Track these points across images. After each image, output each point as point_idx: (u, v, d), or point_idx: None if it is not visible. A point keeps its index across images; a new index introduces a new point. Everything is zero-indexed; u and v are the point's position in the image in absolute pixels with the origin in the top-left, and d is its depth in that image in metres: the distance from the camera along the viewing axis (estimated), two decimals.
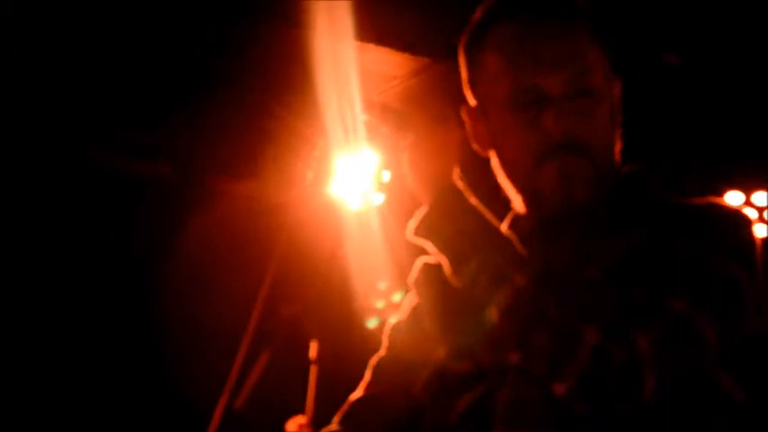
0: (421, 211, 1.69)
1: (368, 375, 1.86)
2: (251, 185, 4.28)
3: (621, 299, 1.50)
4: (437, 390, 1.69)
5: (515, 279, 1.55)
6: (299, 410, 3.29)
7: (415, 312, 1.83)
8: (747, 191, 4.29)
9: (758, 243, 1.62)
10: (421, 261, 1.82)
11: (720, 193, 4.29)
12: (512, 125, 1.68)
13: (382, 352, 1.84)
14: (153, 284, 4.16)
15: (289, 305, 3.38)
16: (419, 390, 1.74)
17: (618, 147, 1.74)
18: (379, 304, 1.63)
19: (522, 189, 1.73)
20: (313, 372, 3.31)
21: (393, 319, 1.86)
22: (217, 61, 4.01)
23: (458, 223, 1.63)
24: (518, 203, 1.74)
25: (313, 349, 3.37)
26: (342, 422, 1.83)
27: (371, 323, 1.65)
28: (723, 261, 1.56)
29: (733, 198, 4.22)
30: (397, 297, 1.61)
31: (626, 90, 1.78)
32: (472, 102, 1.76)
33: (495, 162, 1.76)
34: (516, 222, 1.72)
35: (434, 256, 1.65)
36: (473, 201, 1.65)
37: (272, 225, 3.71)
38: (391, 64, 4.08)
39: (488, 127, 1.74)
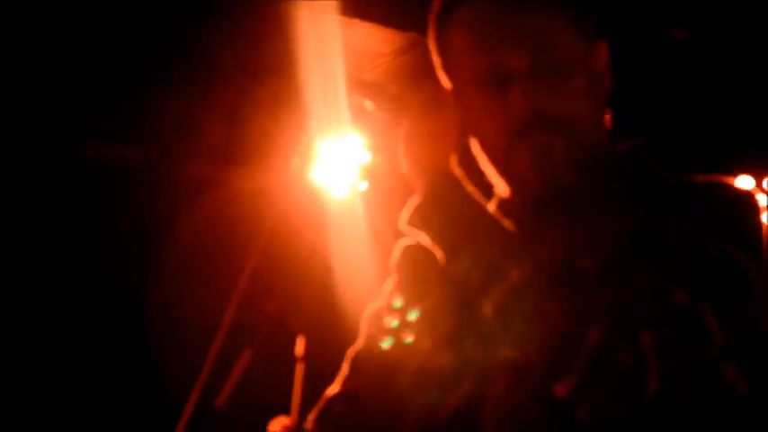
0: (414, 200, 1.68)
1: (345, 369, 1.85)
2: (231, 171, 4.25)
3: (623, 293, 1.47)
4: (422, 384, 1.67)
5: (511, 274, 1.53)
6: (285, 410, 3.26)
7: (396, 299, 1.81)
8: (759, 175, 4.27)
9: (766, 229, 1.61)
10: (403, 243, 1.81)
11: (730, 177, 4.27)
12: (482, 107, 1.68)
13: (361, 343, 1.82)
14: (128, 277, 4.17)
15: (273, 299, 3.34)
16: (402, 384, 1.71)
17: (605, 120, 1.74)
18: (394, 323, 1.60)
19: (500, 172, 1.73)
20: (299, 369, 3.28)
21: (372, 306, 1.85)
22: (193, 42, 3.98)
23: (453, 213, 1.63)
24: (502, 188, 1.75)
25: (299, 346, 3.34)
26: (317, 421, 1.81)
27: (386, 344, 1.62)
28: (730, 250, 1.54)
29: (743, 182, 4.20)
30: (413, 315, 1.59)
31: (631, 66, 1.75)
32: (447, 86, 1.76)
33: (474, 146, 1.76)
34: (503, 208, 1.72)
35: (428, 247, 1.64)
36: (470, 189, 1.65)
37: (255, 214, 3.69)
38: (378, 40, 4.05)
39: (463, 111, 1.74)
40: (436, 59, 1.77)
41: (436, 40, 1.75)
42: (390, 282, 1.83)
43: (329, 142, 4.26)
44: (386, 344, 1.71)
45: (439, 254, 1.60)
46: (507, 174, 1.71)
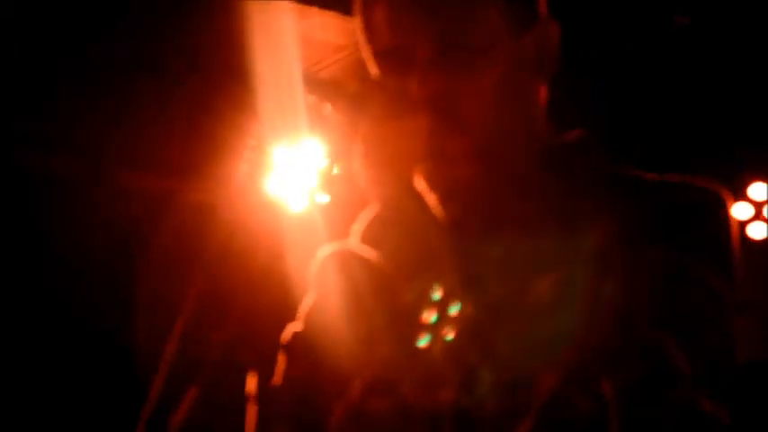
0: (368, 213, 1.67)
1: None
2: (172, 183, 4.24)
3: (581, 331, 1.47)
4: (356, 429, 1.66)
5: (462, 305, 1.54)
6: None
7: (316, 323, 1.79)
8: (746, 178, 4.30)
9: (737, 236, 1.60)
10: (328, 249, 1.75)
11: (742, 183, 4.30)
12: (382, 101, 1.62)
13: (277, 380, 1.80)
14: (53, 300, 4.19)
15: (221, 329, 3.32)
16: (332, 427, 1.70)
17: (538, 113, 1.69)
18: (432, 318, 1.60)
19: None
20: (251, 410, 3.25)
21: (292, 329, 1.82)
22: (128, 35, 3.98)
23: (410, 232, 1.62)
24: (432, 199, 1.73)
25: (251, 383, 3.31)
26: None
27: (422, 342, 1.61)
28: (701, 270, 1.53)
29: (757, 191, 4.22)
30: (454, 309, 1.58)
31: (633, 56, 1.73)
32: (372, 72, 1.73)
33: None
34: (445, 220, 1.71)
35: (379, 267, 1.63)
36: (432, 205, 1.63)
37: (200, 230, 3.69)
38: (338, 31, 4.05)
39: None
40: (360, 39, 1.76)
41: (360, 16, 1.74)
42: (308, 301, 1.80)
43: (284, 149, 4.25)
44: (422, 342, 1.69)
45: (388, 278, 1.60)
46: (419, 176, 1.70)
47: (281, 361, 1.79)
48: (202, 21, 3.78)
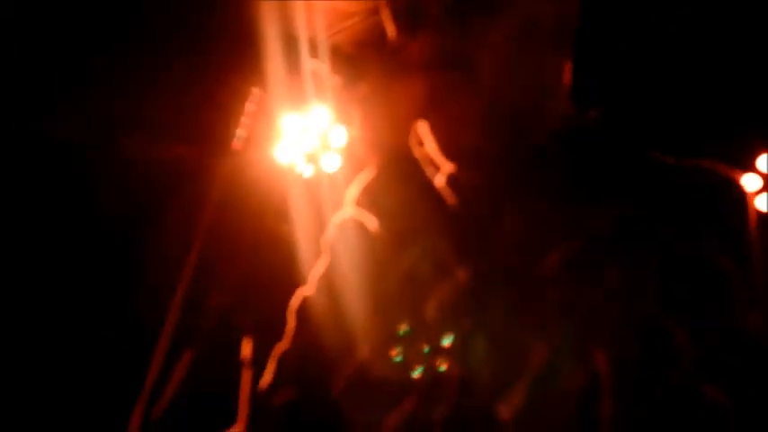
0: (365, 176, 1.68)
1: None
2: (170, 147, 4.24)
3: (578, 302, 1.47)
4: (359, 397, 1.65)
5: (459, 273, 1.54)
6: (230, 421, 3.26)
7: (330, 287, 1.79)
8: (751, 155, 4.28)
9: (755, 224, 1.58)
10: (341, 217, 1.76)
11: (750, 155, 4.30)
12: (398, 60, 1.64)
13: (285, 344, 1.80)
14: (54, 268, 4.19)
15: (218, 294, 3.35)
16: (337, 393, 1.70)
17: (562, 83, 1.65)
18: (425, 350, 1.57)
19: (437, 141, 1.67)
20: (246, 375, 3.28)
21: (302, 294, 1.82)
22: (138, 4, 3.98)
23: (406, 196, 1.63)
24: (443, 161, 1.69)
25: (246, 348, 3.34)
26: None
27: (416, 372, 1.59)
28: (711, 252, 1.51)
29: (765, 163, 4.21)
30: (447, 341, 1.56)
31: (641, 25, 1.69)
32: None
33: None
34: (451, 187, 1.67)
35: (374, 231, 1.64)
36: (428, 170, 1.62)
37: (198, 195, 3.69)
38: None
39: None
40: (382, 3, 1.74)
41: None
42: (321, 265, 1.81)
43: (290, 114, 4.26)
44: (417, 372, 1.68)
45: (385, 241, 1.61)
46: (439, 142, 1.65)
47: (291, 324, 1.80)
48: None
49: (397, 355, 1.59)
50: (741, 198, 1.58)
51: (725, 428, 1.51)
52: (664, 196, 1.57)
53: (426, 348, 1.57)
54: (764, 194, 4.31)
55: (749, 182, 4.22)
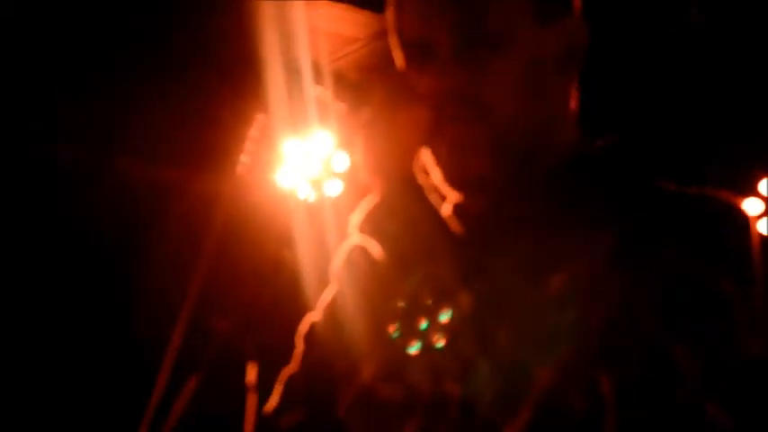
0: (368, 203, 1.69)
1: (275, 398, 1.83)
2: (173, 172, 4.24)
3: (583, 326, 1.48)
4: (363, 419, 1.67)
5: (460, 298, 1.55)
6: None
7: (336, 313, 1.80)
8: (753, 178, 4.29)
9: (757, 248, 1.57)
10: (349, 245, 1.77)
11: (752, 179, 4.30)
12: (404, 92, 1.64)
13: (294, 366, 1.81)
14: (47, 291, 4.18)
15: (222, 319, 3.35)
16: (342, 413, 1.70)
17: (568, 110, 1.66)
18: (423, 325, 1.59)
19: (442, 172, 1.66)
20: (251, 400, 3.28)
21: (310, 320, 1.83)
22: (130, 19, 3.98)
23: (409, 222, 1.64)
24: (448, 191, 1.71)
25: (251, 373, 3.34)
26: None
27: (413, 348, 1.60)
28: (713, 276, 1.50)
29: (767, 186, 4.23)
30: (444, 316, 1.58)
31: (643, 52, 1.73)
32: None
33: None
34: (456, 215, 1.69)
35: (378, 257, 1.66)
36: (431, 196, 1.63)
37: (202, 220, 3.69)
38: (350, 23, 4.05)
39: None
40: (390, 31, 1.74)
41: (391, 8, 1.70)
42: (330, 290, 1.83)
43: (293, 140, 4.28)
44: (413, 348, 1.68)
45: (388, 267, 1.64)
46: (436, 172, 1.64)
47: (299, 349, 1.81)
48: (211, 11, 3.80)
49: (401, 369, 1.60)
50: (743, 222, 1.60)
51: None
52: (666, 221, 1.58)
53: (430, 369, 1.58)
54: (766, 218, 4.33)
55: (751, 206, 4.25)
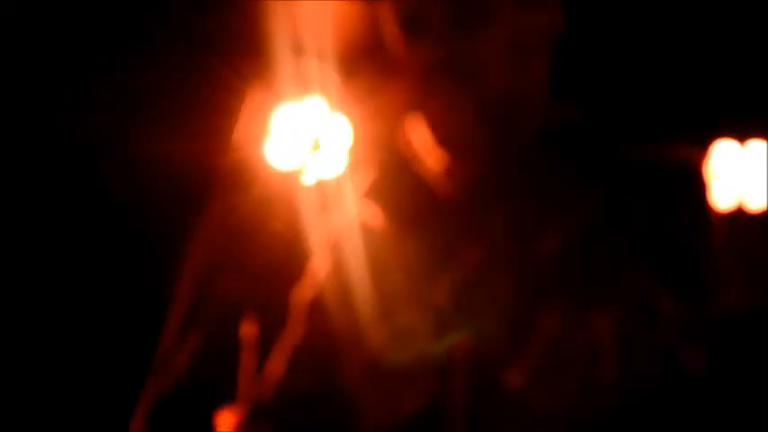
0: (364, 174, 1.90)
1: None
2: (166, 148, 4.48)
3: (579, 277, 1.58)
4: (374, 386, 1.83)
5: (464, 256, 1.70)
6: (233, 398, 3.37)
7: (342, 282, 1.90)
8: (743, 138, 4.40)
9: (721, 206, 1.69)
10: (345, 215, 1.90)
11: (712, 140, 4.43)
12: (398, 61, 1.84)
13: (293, 333, 1.96)
14: (60, 263, 4.30)
15: (221, 285, 3.44)
16: (350, 384, 1.87)
17: (539, 87, 1.78)
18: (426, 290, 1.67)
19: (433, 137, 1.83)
20: (248, 358, 3.24)
21: (308, 287, 1.91)
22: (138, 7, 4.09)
23: (406, 190, 1.82)
24: (440, 155, 1.80)
25: (249, 329, 3.34)
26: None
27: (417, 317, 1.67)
28: (684, 231, 1.65)
29: (728, 147, 4.35)
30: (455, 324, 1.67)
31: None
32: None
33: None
34: (449, 179, 1.78)
35: (381, 223, 1.81)
36: (420, 167, 1.77)
37: (200, 192, 3.87)
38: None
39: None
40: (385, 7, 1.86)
41: None
42: (327, 261, 1.90)
43: (288, 113, 4.40)
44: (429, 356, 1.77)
45: (391, 230, 1.76)
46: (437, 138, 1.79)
47: (298, 315, 1.92)
48: None
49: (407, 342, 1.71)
50: (709, 184, 1.72)
51: (698, 392, 1.67)
52: (636, 181, 1.69)
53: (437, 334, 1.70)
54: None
55: (712, 165, 4.35)
